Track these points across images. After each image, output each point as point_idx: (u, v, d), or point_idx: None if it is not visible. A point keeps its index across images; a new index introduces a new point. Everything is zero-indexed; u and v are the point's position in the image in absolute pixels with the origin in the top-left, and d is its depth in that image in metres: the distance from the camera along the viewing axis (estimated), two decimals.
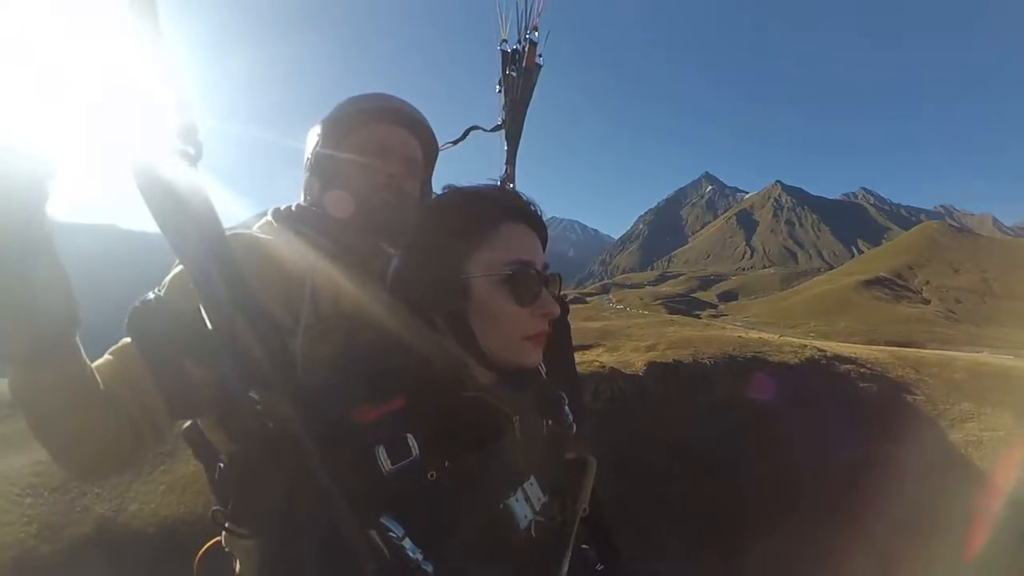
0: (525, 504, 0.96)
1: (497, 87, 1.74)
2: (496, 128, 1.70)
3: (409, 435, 0.82)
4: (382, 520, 0.76)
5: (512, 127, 1.71)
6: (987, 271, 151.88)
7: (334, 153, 1.34)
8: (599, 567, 1.23)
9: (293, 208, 1.39)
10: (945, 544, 4.95)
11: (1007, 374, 8.89)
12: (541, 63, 1.70)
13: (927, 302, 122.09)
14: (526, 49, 1.68)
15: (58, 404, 0.90)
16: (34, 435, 0.94)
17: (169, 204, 0.73)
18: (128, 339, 1.05)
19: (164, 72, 0.73)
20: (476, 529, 0.87)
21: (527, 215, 1.01)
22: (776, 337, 8.95)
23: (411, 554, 0.75)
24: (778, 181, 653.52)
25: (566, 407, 1.14)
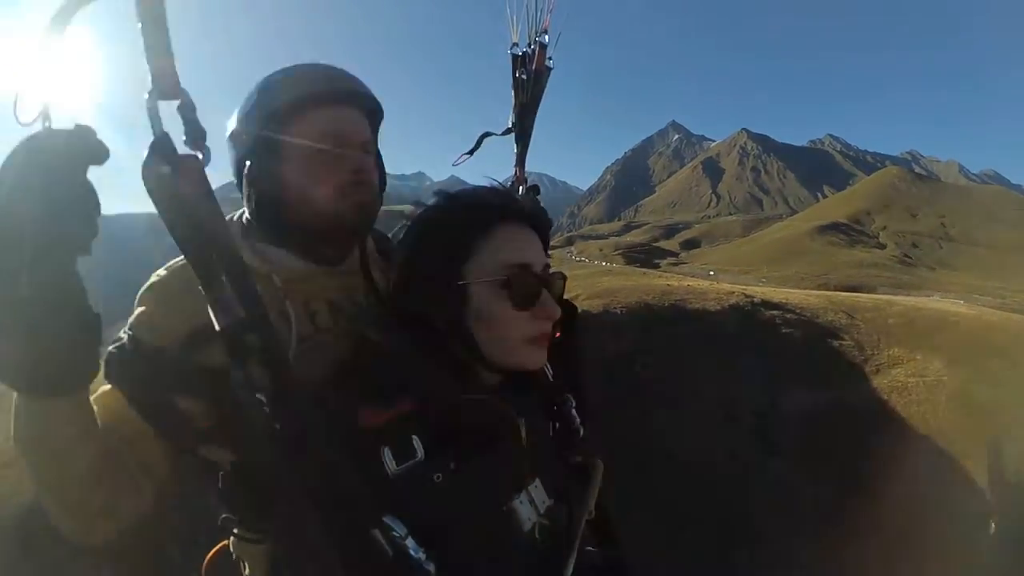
0: (529, 507, 0.96)
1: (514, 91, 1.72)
2: (507, 131, 1.69)
3: (415, 437, 0.84)
4: (385, 520, 0.78)
5: (522, 130, 1.69)
6: (945, 216, 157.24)
7: (289, 145, 1.13)
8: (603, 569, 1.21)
9: (244, 223, 1.22)
10: (852, 489, 4.77)
11: (943, 319, 8.67)
12: (551, 66, 1.71)
13: (883, 247, 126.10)
14: (536, 52, 1.67)
15: (75, 435, 0.85)
16: (43, 484, 0.88)
17: (177, 207, 0.73)
18: (107, 387, 1.00)
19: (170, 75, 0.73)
20: (479, 531, 0.88)
21: (525, 216, 1.01)
22: (705, 283, 8.49)
23: (413, 554, 0.77)
24: (744, 128, 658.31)
25: (573, 410, 1.13)
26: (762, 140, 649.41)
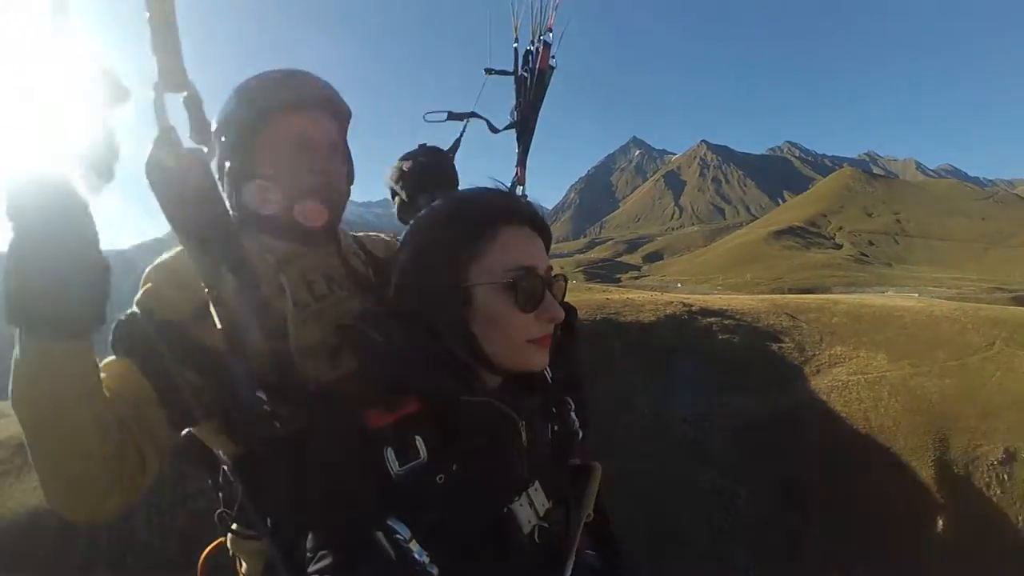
0: (529, 509, 0.97)
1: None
2: (508, 127, 1.68)
3: (418, 438, 0.84)
4: (388, 522, 0.77)
5: (524, 129, 1.68)
6: (900, 213, 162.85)
7: (262, 149, 1.22)
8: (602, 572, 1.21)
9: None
10: (788, 494, 4.66)
11: (888, 314, 8.70)
12: (554, 64, 1.70)
13: (839, 247, 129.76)
14: (539, 50, 1.67)
15: (79, 393, 0.83)
16: (46, 453, 0.85)
17: (180, 201, 0.74)
18: (112, 357, 1.01)
19: (178, 70, 0.74)
20: (480, 533, 0.88)
21: (527, 217, 1.00)
22: (646, 295, 8.36)
23: (417, 556, 0.77)
24: (703, 140, 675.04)
25: (572, 413, 1.14)
26: (722, 151, 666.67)
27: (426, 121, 1.64)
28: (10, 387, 0.82)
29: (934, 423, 6.09)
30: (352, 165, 1.39)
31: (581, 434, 1.15)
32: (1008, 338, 8.17)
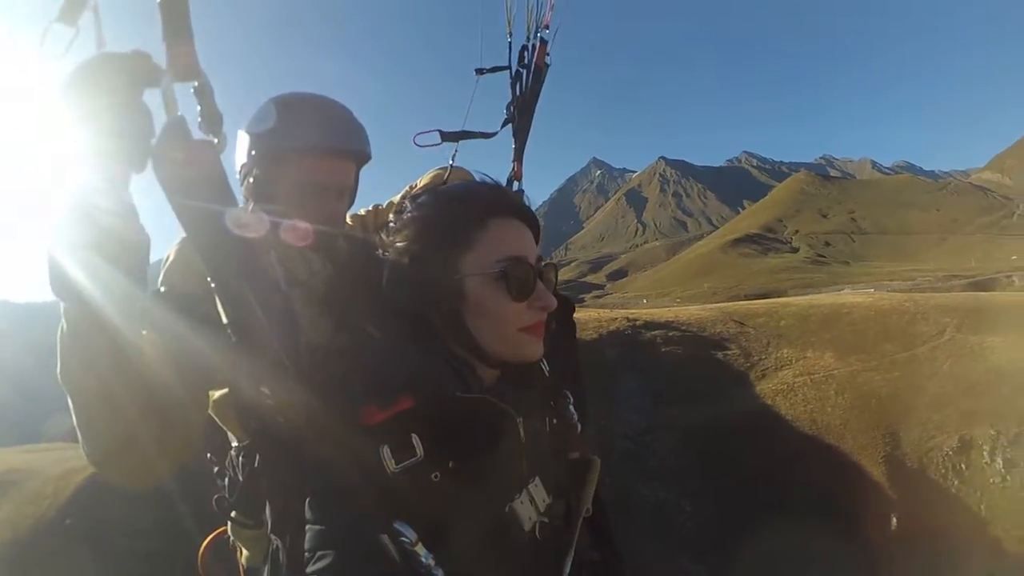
0: (530, 506, 0.97)
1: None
2: (504, 123, 1.69)
3: (414, 435, 0.84)
4: (395, 526, 0.78)
5: (520, 125, 1.69)
6: (855, 211, 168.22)
7: (285, 183, 1.34)
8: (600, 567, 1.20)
9: None
10: (733, 503, 4.56)
11: (836, 312, 8.75)
12: (549, 62, 1.72)
13: (796, 250, 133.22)
14: (536, 47, 1.68)
15: (124, 353, 0.84)
16: (83, 410, 0.87)
17: (187, 192, 0.73)
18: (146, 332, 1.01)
19: (190, 59, 0.74)
20: (481, 531, 0.88)
21: (516, 209, 1.01)
22: (593, 312, 8.24)
23: (424, 560, 0.77)
24: (661, 157, 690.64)
25: (571, 406, 1.15)
26: (680, 165, 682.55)
27: (417, 145, 1.62)
28: (58, 362, 0.84)
29: (884, 418, 6.03)
30: (355, 193, 1.51)
31: (580, 427, 1.16)
32: (960, 324, 8.23)
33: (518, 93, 1.71)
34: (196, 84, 0.76)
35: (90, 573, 4.15)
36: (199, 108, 0.77)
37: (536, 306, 0.97)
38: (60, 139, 0.74)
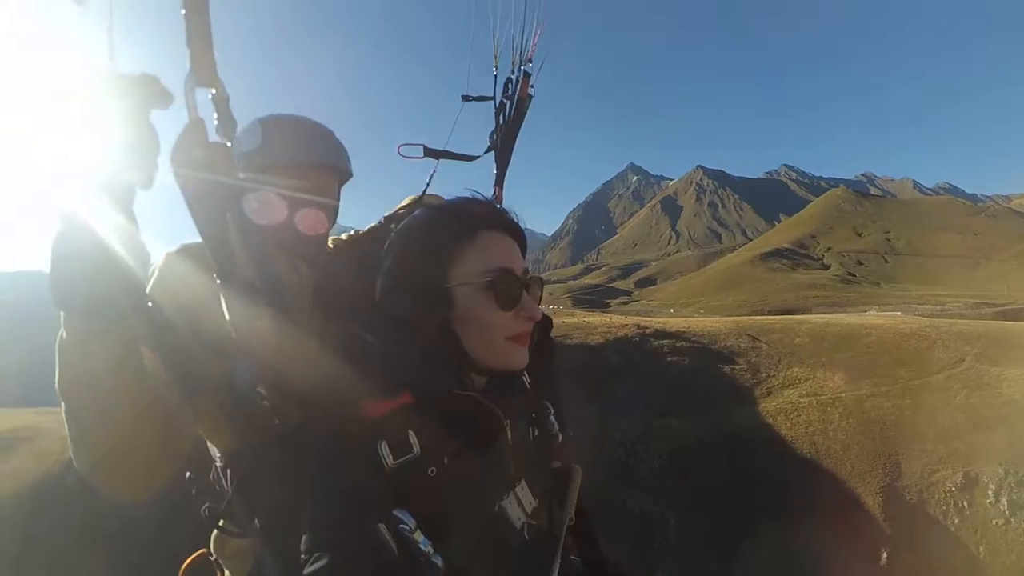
0: (518, 507, 1.00)
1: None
2: (487, 151, 1.73)
3: (411, 432, 0.87)
4: (395, 512, 0.81)
5: (502, 152, 1.74)
6: (890, 231, 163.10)
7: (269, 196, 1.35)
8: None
9: None
10: (717, 518, 4.55)
11: (853, 333, 8.57)
12: (533, 93, 1.77)
13: (827, 267, 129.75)
14: (519, 79, 1.72)
15: (122, 366, 0.88)
16: (76, 420, 0.90)
17: (203, 190, 0.78)
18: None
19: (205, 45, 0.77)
20: (475, 527, 0.92)
21: (503, 222, 1.05)
22: (604, 318, 8.25)
23: (423, 547, 0.80)
24: (699, 166, 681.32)
25: (552, 416, 1.17)
26: (718, 175, 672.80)
27: (401, 156, 1.65)
28: (56, 372, 0.88)
29: (887, 447, 5.90)
30: (337, 207, 1.54)
31: (560, 437, 1.18)
32: (980, 354, 7.94)
33: (501, 122, 1.76)
34: (214, 91, 0.80)
35: (88, 528, 4.31)
36: (215, 115, 0.80)
37: (522, 316, 1.01)
38: (65, 143, 0.75)
